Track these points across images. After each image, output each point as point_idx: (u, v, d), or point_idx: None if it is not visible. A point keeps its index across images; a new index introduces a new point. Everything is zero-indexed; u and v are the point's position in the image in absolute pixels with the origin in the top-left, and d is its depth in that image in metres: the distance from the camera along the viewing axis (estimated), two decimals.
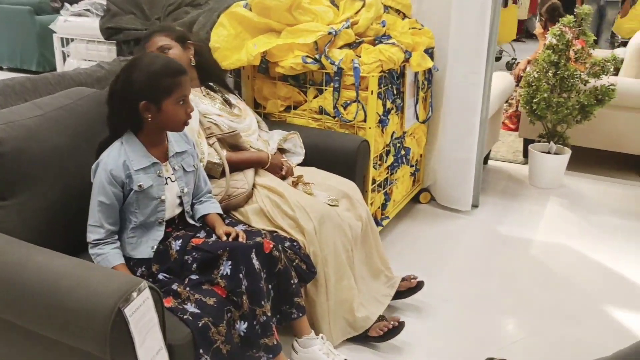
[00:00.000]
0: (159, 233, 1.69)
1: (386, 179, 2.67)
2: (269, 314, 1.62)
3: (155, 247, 1.66)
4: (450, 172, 3.01)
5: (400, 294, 2.19)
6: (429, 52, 2.79)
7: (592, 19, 5.60)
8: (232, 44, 2.43)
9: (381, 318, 2.02)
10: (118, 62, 2.36)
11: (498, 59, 6.98)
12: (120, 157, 1.61)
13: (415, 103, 2.78)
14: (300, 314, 1.78)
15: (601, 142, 3.64)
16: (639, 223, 3.02)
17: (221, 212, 1.85)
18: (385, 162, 2.62)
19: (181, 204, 1.74)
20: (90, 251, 1.62)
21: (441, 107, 2.93)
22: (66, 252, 1.45)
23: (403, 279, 2.20)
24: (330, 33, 2.39)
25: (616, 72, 3.82)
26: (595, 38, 3.36)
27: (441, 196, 3.12)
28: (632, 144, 3.57)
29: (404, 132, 2.75)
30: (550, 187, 3.46)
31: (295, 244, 1.85)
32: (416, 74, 2.72)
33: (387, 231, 2.83)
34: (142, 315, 1.28)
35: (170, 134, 1.74)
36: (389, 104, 2.50)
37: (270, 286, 1.70)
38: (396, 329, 1.96)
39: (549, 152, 3.44)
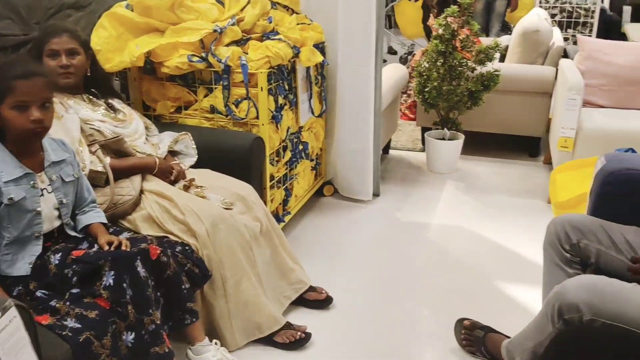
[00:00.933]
0: (36, 248, 1.60)
1: (285, 174, 2.67)
2: (159, 322, 1.58)
3: (33, 263, 1.57)
4: (349, 163, 3.07)
5: (305, 302, 2.20)
6: (320, 47, 2.82)
7: (482, 11, 5.88)
8: (114, 45, 2.34)
9: (288, 325, 2.01)
10: None
11: (395, 52, 7.16)
12: None
13: (309, 98, 2.79)
14: (194, 319, 1.75)
15: (492, 125, 3.82)
16: (530, 200, 3.21)
17: (105, 221, 1.78)
18: (283, 157, 2.62)
19: (60, 216, 1.66)
20: None
21: (336, 100, 2.97)
22: None
23: (313, 288, 2.21)
24: (215, 31, 2.35)
25: (503, 59, 4.04)
26: (479, 27, 3.51)
27: (343, 188, 3.17)
28: (521, 125, 3.78)
29: (300, 127, 2.76)
30: (446, 171, 3.60)
31: (187, 248, 1.81)
32: (308, 69, 2.74)
33: (291, 226, 2.84)
34: (10, 335, 1.20)
35: (46, 142, 1.65)
36: (281, 100, 2.50)
37: (159, 293, 1.65)
38: (302, 340, 1.97)
39: (443, 139, 3.58)
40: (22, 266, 1.57)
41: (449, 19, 3.33)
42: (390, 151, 3.98)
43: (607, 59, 3.31)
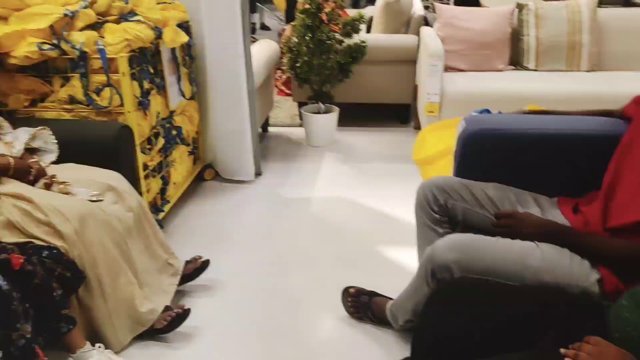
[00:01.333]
0: None
1: (161, 162, 2.57)
2: (30, 336, 1.47)
3: None
4: (227, 145, 3.02)
5: (187, 277, 2.16)
6: (184, 27, 2.72)
7: None
8: None
9: (167, 309, 1.96)
10: None
11: (268, 28, 7.12)
12: None
13: (178, 80, 2.69)
14: (71, 326, 1.65)
15: (363, 96, 3.93)
16: (404, 165, 3.35)
17: None
18: (156, 145, 2.52)
19: None
20: None
21: (207, 81, 2.90)
22: None
23: (188, 262, 2.17)
24: (66, 15, 2.18)
25: (369, 30, 4.14)
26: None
27: (224, 170, 3.12)
28: (390, 94, 3.92)
29: (172, 112, 2.66)
30: (325, 144, 3.66)
31: (55, 251, 1.69)
32: (174, 50, 2.63)
33: (172, 215, 2.76)
34: None
35: None
36: (146, 85, 2.38)
37: (27, 305, 1.54)
38: (180, 317, 1.92)
39: (319, 112, 3.62)
40: None
41: None
42: (270, 128, 3.97)
43: (464, 24, 3.51)
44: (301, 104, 3.99)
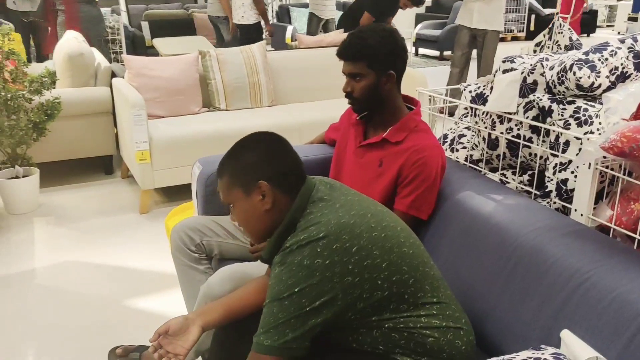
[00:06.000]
0: None
1: None
2: None
3: None
4: None
5: None
6: None
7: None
8: None
9: None
10: None
11: None
12: None
13: None
14: None
15: (62, 153, 3.74)
16: (123, 215, 3.33)
17: None
18: None
19: None
20: None
21: None
22: None
23: None
24: None
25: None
26: (26, 58, 3.35)
27: None
28: (91, 147, 3.82)
29: None
30: (28, 210, 3.37)
31: None
32: None
33: None
34: None
35: None
36: None
37: None
38: None
39: (17, 177, 3.33)
40: None
41: None
42: None
43: (154, 73, 3.66)
44: None
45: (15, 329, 2.31)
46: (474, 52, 5.18)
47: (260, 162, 1.33)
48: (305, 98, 4.14)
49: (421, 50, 9.72)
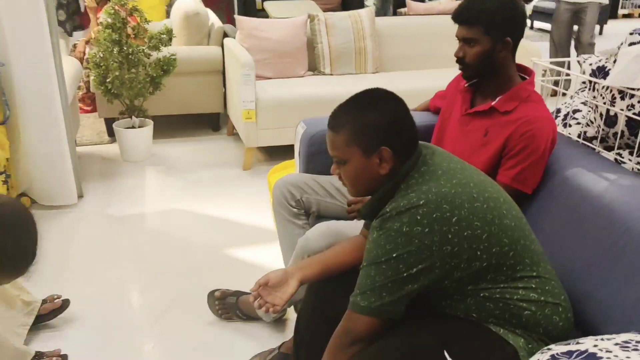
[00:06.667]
0: None
1: None
2: None
3: None
4: (44, 169, 2.84)
5: (43, 317, 2.03)
6: None
7: None
8: None
9: (40, 355, 1.85)
10: None
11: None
12: None
13: None
14: None
15: (175, 107, 3.96)
16: (226, 170, 3.49)
17: None
18: None
19: None
20: None
21: (16, 104, 2.69)
22: None
23: (44, 301, 2.04)
24: None
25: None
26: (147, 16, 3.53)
27: (42, 196, 2.92)
28: (200, 104, 4.01)
29: None
30: (142, 159, 3.61)
31: None
32: None
33: None
34: None
35: None
36: None
37: None
38: None
39: (133, 127, 3.57)
40: None
41: (117, 8, 3.29)
42: (77, 148, 3.76)
43: (263, 35, 3.76)
44: (108, 120, 3.87)
45: (127, 263, 2.52)
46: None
47: (386, 126, 1.29)
48: (411, 66, 4.07)
49: (537, 24, 9.20)
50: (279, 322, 2.11)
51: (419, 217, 1.20)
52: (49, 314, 2.05)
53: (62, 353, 1.90)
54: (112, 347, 2.02)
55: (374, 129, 1.29)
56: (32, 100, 2.68)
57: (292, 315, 2.12)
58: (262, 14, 6.49)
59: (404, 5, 5.07)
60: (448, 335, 1.28)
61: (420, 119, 2.14)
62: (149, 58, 3.45)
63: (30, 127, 2.73)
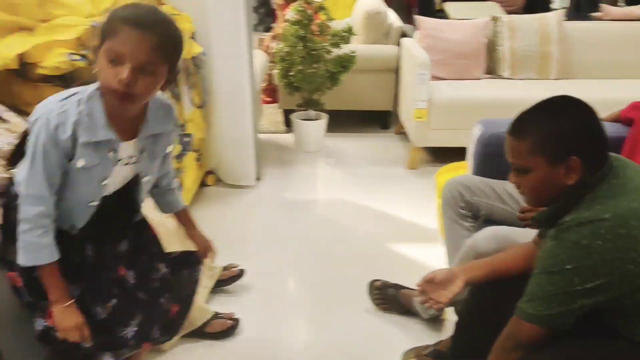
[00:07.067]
0: (87, 215, 1.48)
1: (177, 169, 2.65)
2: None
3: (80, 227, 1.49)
4: (231, 151, 3.13)
5: (222, 282, 2.26)
6: (192, 38, 2.81)
7: None
8: None
9: (216, 315, 2.06)
10: None
11: None
12: (70, 116, 1.32)
13: (189, 89, 2.78)
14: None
15: (348, 103, 4.10)
16: (392, 168, 3.55)
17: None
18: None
19: (128, 189, 1.56)
20: (25, 236, 1.36)
21: (212, 90, 3.00)
22: None
23: (224, 268, 2.27)
24: (93, 26, 2.25)
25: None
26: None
27: (226, 176, 3.22)
28: (372, 101, 4.12)
29: (183, 119, 2.75)
30: (315, 150, 3.81)
31: None
32: (184, 60, 2.72)
33: None
34: None
35: (153, 108, 1.46)
36: (166, 94, 2.47)
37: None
38: (232, 328, 2.06)
39: (309, 119, 3.77)
40: (66, 224, 1.47)
41: (304, 6, 3.50)
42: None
43: (442, 35, 3.74)
44: (286, 111, 4.13)
45: (296, 243, 2.69)
46: None
47: (577, 134, 1.23)
48: (600, 74, 3.77)
49: None
50: (436, 320, 2.11)
51: (602, 231, 1.14)
52: (227, 279, 2.27)
53: (234, 317, 2.09)
54: (277, 319, 2.18)
55: (562, 137, 1.23)
56: (226, 88, 2.97)
57: (449, 315, 2.11)
58: (440, 14, 6.43)
59: (596, 9, 4.72)
60: None
61: (609, 129, 2.00)
62: (329, 54, 3.62)
63: (222, 113, 3.03)
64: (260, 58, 3.77)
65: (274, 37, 4.56)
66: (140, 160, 1.51)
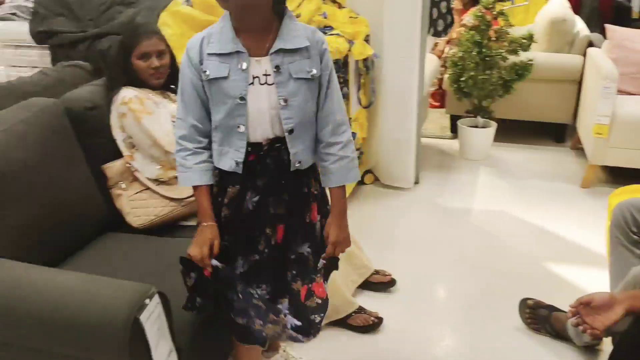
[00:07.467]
0: (240, 143, 1.36)
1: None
2: None
3: (240, 162, 1.37)
4: (391, 152, 3.18)
5: (371, 285, 2.32)
6: (366, 40, 2.91)
7: None
8: (178, 43, 2.40)
9: (361, 309, 2.13)
10: (62, 67, 2.30)
11: None
12: (201, 36, 1.36)
13: (357, 89, 2.89)
14: None
15: (521, 113, 3.93)
16: (563, 184, 3.33)
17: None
18: None
19: (279, 122, 1.36)
20: (176, 155, 1.42)
21: (381, 91, 3.07)
22: None
23: (377, 272, 2.33)
24: None
25: None
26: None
27: (385, 176, 3.28)
28: (549, 112, 3.89)
29: (350, 118, 2.86)
30: (479, 158, 3.71)
31: None
32: (357, 61, 2.83)
33: None
34: (155, 320, 1.31)
35: (288, 25, 1.35)
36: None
37: None
38: (376, 324, 2.11)
39: (476, 126, 3.69)
40: (227, 161, 1.38)
41: (483, 11, 3.42)
42: (421, 139, 4.08)
43: (636, 47, 3.41)
44: (453, 117, 4.07)
45: (447, 250, 2.67)
46: None
47: None
48: None
49: None
50: (590, 349, 1.96)
51: None
52: (377, 284, 2.32)
53: (379, 315, 2.14)
54: (421, 323, 2.18)
55: None
56: (393, 90, 3.03)
57: (606, 347, 1.95)
58: (637, 24, 5.86)
59: None
60: None
61: None
62: (505, 61, 3.50)
63: (388, 114, 3.09)
64: (431, 62, 3.77)
65: (449, 42, 4.52)
66: (280, 81, 1.34)
